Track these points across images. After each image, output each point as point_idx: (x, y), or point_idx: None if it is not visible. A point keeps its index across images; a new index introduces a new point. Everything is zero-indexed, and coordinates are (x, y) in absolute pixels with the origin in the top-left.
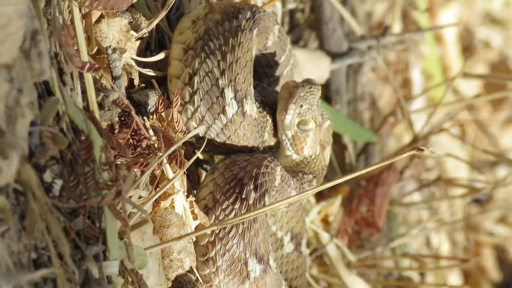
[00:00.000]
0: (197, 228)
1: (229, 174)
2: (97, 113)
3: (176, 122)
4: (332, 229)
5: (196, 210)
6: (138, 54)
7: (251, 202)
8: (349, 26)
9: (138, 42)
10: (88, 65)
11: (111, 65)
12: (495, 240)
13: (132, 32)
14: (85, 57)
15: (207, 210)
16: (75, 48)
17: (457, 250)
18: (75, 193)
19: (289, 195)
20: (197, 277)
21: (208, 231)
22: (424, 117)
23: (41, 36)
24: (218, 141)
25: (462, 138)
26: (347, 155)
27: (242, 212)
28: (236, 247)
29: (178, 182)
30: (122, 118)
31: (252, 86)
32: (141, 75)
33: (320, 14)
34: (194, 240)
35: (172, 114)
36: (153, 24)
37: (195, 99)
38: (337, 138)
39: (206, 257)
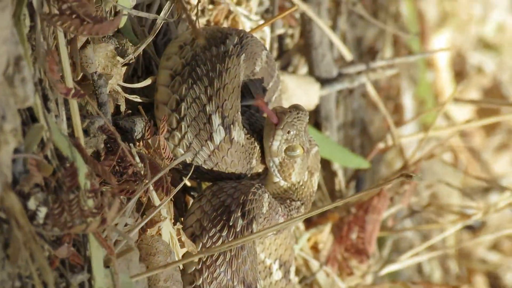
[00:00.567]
0: (184, 256)
1: (217, 201)
2: (82, 140)
3: (163, 148)
4: (322, 257)
5: (183, 237)
6: (125, 80)
7: (238, 229)
8: (339, 52)
9: (125, 68)
10: (73, 91)
11: (96, 92)
12: (487, 267)
13: (118, 57)
14: (70, 83)
15: (194, 238)
16: (60, 74)
17: (450, 277)
18: (59, 220)
19: (277, 222)
20: None
21: (195, 259)
22: (416, 143)
23: (25, 62)
24: (206, 168)
25: (455, 164)
26: (337, 182)
27: (230, 239)
28: (224, 275)
29: (164, 209)
30: (108, 145)
31: (239, 113)
32: (127, 101)
33: (310, 39)
34: (181, 268)
35: (159, 141)
36: (140, 50)
37: (182, 126)
38: (327, 164)
39: (193, 286)
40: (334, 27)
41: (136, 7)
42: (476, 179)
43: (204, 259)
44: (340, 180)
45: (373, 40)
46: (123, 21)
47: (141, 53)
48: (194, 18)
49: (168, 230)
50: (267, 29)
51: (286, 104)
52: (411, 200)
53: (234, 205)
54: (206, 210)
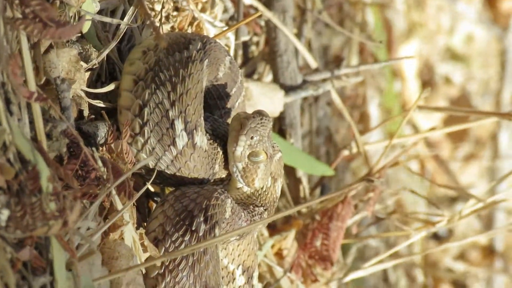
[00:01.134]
0: (147, 260)
1: (179, 206)
2: (44, 144)
3: (126, 153)
4: (286, 263)
5: (146, 242)
6: (88, 86)
7: (201, 234)
8: (304, 59)
9: (88, 73)
10: (35, 95)
11: (59, 96)
12: (454, 276)
13: (82, 63)
14: (33, 87)
15: (157, 242)
16: (23, 78)
17: (416, 286)
18: (21, 223)
19: (240, 227)
20: None
21: (158, 263)
22: (382, 152)
23: None
24: (169, 173)
25: (421, 173)
26: (302, 189)
27: (192, 244)
28: (186, 279)
29: (127, 213)
30: (71, 149)
31: (202, 118)
32: (91, 106)
33: (275, 47)
34: (143, 272)
35: (122, 146)
36: (103, 55)
37: (145, 131)
38: (291, 172)
39: None
40: (299, 35)
41: (100, 12)
42: (442, 188)
43: (167, 263)
44: (305, 187)
45: (339, 48)
46: (86, 26)
47: (105, 58)
48: (158, 24)
49: (130, 234)
50: (231, 36)
51: (250, 111)
52: (376, 208)
53: (197, 210)
54: (169, 215)
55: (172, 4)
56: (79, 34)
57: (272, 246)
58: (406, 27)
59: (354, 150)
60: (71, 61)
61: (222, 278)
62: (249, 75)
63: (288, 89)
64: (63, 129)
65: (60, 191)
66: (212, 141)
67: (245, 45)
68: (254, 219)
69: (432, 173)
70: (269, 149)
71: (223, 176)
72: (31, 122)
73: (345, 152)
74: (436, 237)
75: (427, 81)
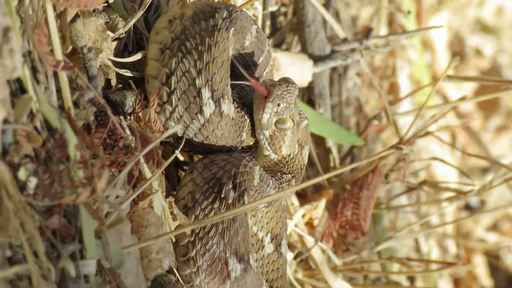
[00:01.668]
0: (177, 228)
1: (208, 174)
2: (71, 112)
3: (153, 122)
4: (317, 233)
5: (175, 210)
6: (116, 55)
7: (230, 201)
8: (332, 30)
9: (115, 42)
10: (62, 63)
11: (86, 65)
12: (486, 247)
13: (108, 32)
14: (59, 55)
15: (186, 210)
16: (50, 47)
17: (448, 256)
18: (50, 191)
19: (268, 195)
20: (177, 278)
21: (188, 231)
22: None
23: (13, 33)
24: (196, 141)
25: (453, 144)
26: (331, 159)
27: (222, 211)
28: (216, 246)
29: (156, 182)
30: (99, 118)
31: (229, 86)
32: (118, 76)
33: (303, 17)
34: (173, 241)
35: (149, 114)
36: (130, 25)
37: (173, 99)
38: (321, 141)
39: (186, 257)
40: (327, 5)
41: None
42: (473, 158)
43: (197, 231)
44: (335, 157)
45: (368, 19)
46: None
47: (132, 28)
48: None
49: (159, 202)
50: (259, 6)
51: None
52: (407, 178)
53: (226, 177)
54: (198, 182)
55: None
56: (106, 4)
57: (303, 216)
58: None
59: (384, 120)
60: (97, 30)
61: (252, 245)
62: (277, 46)
63: (317, 59)
64: (90, 97)
65: (87, 159)
66: (239, 109)
67: (273, 16)
68: (282, 186)
69: (463, 144)
70: (295, 116)
71: (251, 143)
72: (58, 91)
73: (375, 123)
74: (468, 208)
75: (458, 53)
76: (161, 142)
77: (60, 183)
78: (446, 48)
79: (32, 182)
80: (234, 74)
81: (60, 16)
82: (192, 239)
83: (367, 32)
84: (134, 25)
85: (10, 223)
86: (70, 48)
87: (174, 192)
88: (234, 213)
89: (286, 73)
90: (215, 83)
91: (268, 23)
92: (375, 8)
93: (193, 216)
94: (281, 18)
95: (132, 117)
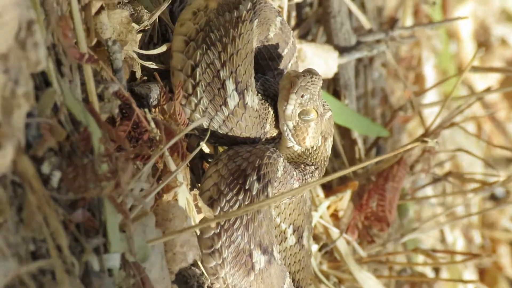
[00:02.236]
0: (201, 221)
1: (233, 165)
2: (96, 105)
3: (179, 114)
4: (342, 224)
5: (200, 203)
6: (141, 47)
7: (254, 192)
8: (358, 21)
9: (140, 34)
10: (86, 56)
11: (111, 57)
12: None
13: (133, 24)
14: (84, 48)
15: (212, 202)
16: (74, 40)
17: (473, 247)
18: (73, 185)
19: (292, 186)
20: (201, 271)
21: (213, 224)
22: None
23: (37, 26)
24: (221, 132)
25: (478, 135)
26: (357, 150)
27: (246, 203)
28: (241, 238)
29: (181, 175)
30: (124, 111)
31: (253, 78)
32: (143, 68)
33: (328, 8)
34: (197, 234)
35: (175, 107)
36: (155, 17)
37: (198, 91)
38: (347, 133)
39: (212, 249)
40: None
41: None
42: (499, 148)
43: (222, 223)
44: (360, 148)
45: (394, 9)
46: None
47: (157, 20)
48: None
49: (184, 195)
50: None
51: None
52: (433, 169)
53: (250, 168)
54: (223, 174)
55: None
56: None
57: (328, 207)
58: None
59: (410, 111)
60: (122, 22)
61: (276, 237)
62: (302, 37)
63: (342, 50)
64: (115, 90)
65: (112, 152)
66: (263, 101)
67: (299, 7)
68: (305, 178)
69: (488, 134)
70: (319, 107)
71: (275, 134)
72: (83, 84)
73: (401, 113)
74: (494, 198)
75: (483, 43)
76: (186, 135)
77: (84, 176)
78: (472, 37)
79: (56, 176)
80: (259, 65)
81: (84, 8)
82: (218, 231)
83: (392, 23)
84: (159, 17)
85: (33, 217)
86: (95, 40)
87: (199, 185)
88: (259, 205)
89: (311, 64)
90: (239, 75)
91: (293, 14)
92: None
93: (219, 208)
94: (307, 9)
95: (157, 109)
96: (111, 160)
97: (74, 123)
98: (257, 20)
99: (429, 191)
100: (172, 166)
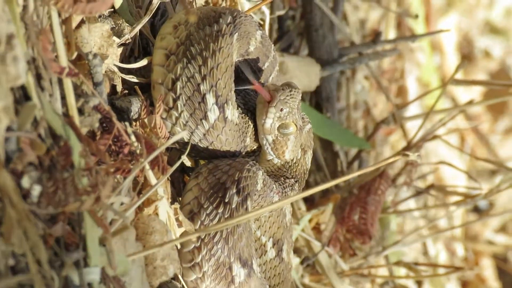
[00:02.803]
0: (182, 235)
1: (213, 179)
2: (76, 119)
3: (159, 128)
4: (324, 237)
5: (181, 217)
6: (122, 61)
7: (234, 206)
8: (340, 33)
9: (121, 48)
10: (67, 70)
11: (92, 71)
12: (495, 249)
13: (114, 38)
14: (64, 62)
15: (192, 215)
16: (54, 53)
17: (456, 260)
18: (54, 199)
19: (272, 200)
20: (182, 285)
21: (194, 237)
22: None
23: (17, 40)
24: (202, 146)
25: (461, 148)
26: (339, 163)
27: (226, 216)
28: (221, 251)
29: (161, 188)
30: (104, 125)
31: (233, 92)
32: (124, 82)
33: (310, 21)
34: (177, 247)
35: (155, 120)
36: (136, 30)
37: (178, 105)
38: (328, 145)
39: (192, 263)
40: (335, 9)
41: None
42: (482, 161)
43: (202, 237)
44: (342, 161)
45: (376, 22)
46: (118, 1)
47: (138, 34)
48: None
49: (165, 209)
50: (266, 10)
51: None
52: (415, 182)
53: (229, 182)
54: (203, 188)
55: None
56: (111, 9)
57: (310, 220)
58: (444, 0)
59: (392, 124)
60: (103, 36)
61: (256, 250)
62: (285, 50)
63: (325, 63)
64: (95, 104)
65: (92, 166)
66: (243, 114)
67: (281, 19)
68: (285, 191)
69: (471, 146)
70: (298, 121)
71: (254, 147)
72: (63, 98)
73: (383, 126)
74: (477, 210)
75: (467, 55)
76: (167, 148)
77: (64, 190)
78: (455, 49)
79: (36, 190)
80: (239, 79)
81: (65, 22)
82: (198, 244)
83: (375, 36)
84: (140, 30)
85: (13, 231)
86: (75, 54)
87: (180, 198)
88: (239, 220)
89: (293, 77)
90: (219, 89)
91: (275, 27)
92: (383, 11)
93: (199, 221)
94: (289, 22)
95: (137, 123)
96: (91, 174)
97: (54, 137)
98: (237, 33)
99: (411, 203)
100: (153, 179)
